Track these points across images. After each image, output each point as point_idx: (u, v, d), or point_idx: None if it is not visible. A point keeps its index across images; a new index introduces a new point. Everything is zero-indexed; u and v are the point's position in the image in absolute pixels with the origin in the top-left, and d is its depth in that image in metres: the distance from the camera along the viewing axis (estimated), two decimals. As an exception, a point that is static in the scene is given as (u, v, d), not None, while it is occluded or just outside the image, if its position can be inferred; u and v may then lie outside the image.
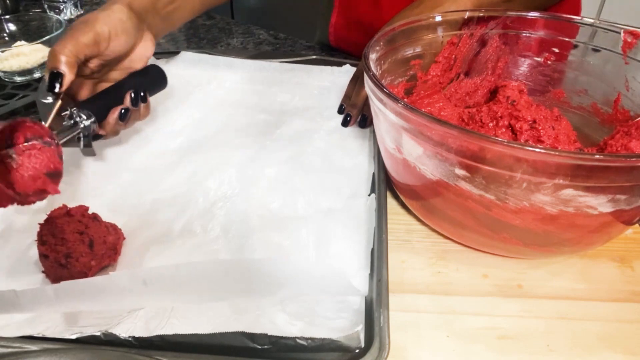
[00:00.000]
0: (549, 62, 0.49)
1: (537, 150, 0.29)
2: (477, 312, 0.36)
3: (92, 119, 0.42)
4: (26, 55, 0.65)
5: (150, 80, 0.50)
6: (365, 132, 0.53)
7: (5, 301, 0.32)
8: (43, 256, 0.35)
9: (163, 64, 0.65)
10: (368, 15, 0.71)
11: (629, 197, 0.31)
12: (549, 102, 0.49)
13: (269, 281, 0.33)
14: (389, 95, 0.34)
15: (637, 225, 0.41)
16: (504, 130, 0.41)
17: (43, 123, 0.36)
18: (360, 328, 0.30)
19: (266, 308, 0.32)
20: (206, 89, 0.62)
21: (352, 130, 0.54)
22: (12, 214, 0.40)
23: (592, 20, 0.45)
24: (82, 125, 0.42)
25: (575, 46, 0.47)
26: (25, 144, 0.34)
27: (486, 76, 0.51)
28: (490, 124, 0.41)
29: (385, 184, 0.44)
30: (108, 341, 0.30)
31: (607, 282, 0.38)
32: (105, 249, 0.36)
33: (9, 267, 0.37)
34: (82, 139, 0.42)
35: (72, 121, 0.41)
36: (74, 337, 0.30)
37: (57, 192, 0.35)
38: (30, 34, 0.73)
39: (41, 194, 0.34)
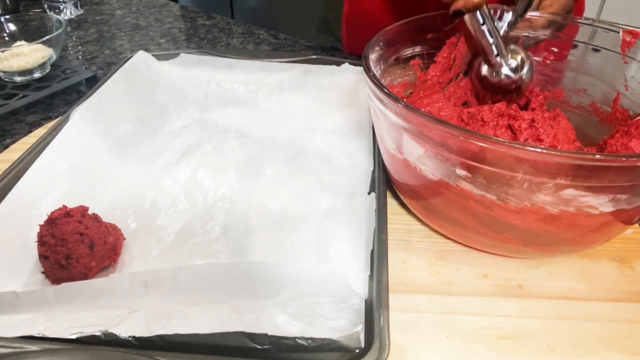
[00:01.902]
0: (548, 61, 0.49)
1: (538, 150, 0.28)
2: (477, 312, 0.36)
3: None
4: (26, 55, 0.65)
5: None
6: (365, 131, 0.53)
7: (6, 302, 0.32)
8: (43, 257, 0.35)
9: (163, 64, 0.65)
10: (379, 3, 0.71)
11: (629, 197, 0.31)
12: (548, 101, 0.49)
13: (269, 284, 0.33)
14: (389, 95, 0.34)
15: (637, 225, 0.41)
16: (503, 130, 0.41)
17: None
18: (360, 328, 0.30)
19: (266, 308, 0.32)
20: (206, 89, 0.62)
21: (352, 130, 0.54)
22: (12, 214, 0.40)
23: (591, 20, 0.45)
24: None
25: (575, 46, 0.47)
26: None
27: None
28: (491, 124, 0.41)
29: (385, 183, 0.44)
30: (108, 341, 0.30)
31: (607, 282, 0.38)
32: (106, 250, 0.36)
33: (9, 267, 0.37)
34: None
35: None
36: (74, 337, 0.30)
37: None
38: (30, 34, 0.73)
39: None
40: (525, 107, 0.48)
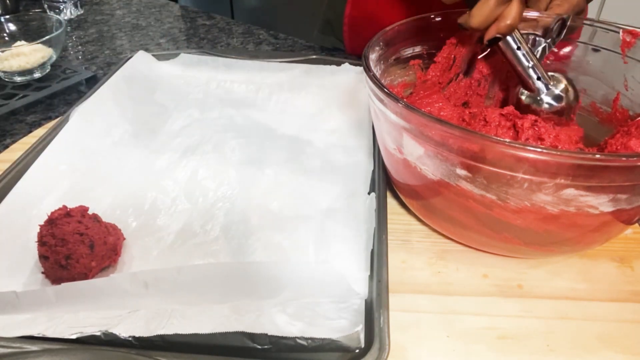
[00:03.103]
0: (548, 61, 0.49)
1: (538, 150, 0.28)
2: (477, 312, 0.36)
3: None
4: (26, 55, 0.65)
5: None
6: (365, 131, 0.53)
7: (6, 302, 0.32)
8: (43, 257, 0.35)
9: (163, 64, 0.65)
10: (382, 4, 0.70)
11: (629, 197, 0.31)
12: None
13: (269, 284, 0.33)
14: (389, 95, 0.34)
15: (637, 225, 0.41)
16: (505, 130, 0.41)
17: None
18: (360, 328, 0.30)
19: (266, 308, 0.32)
20: (206, 89, 0.62)
21: (352, 130, 0.54)
22: (13, 214, 0.40)
23: (591, 20, 0.45)
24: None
25: (575, 46, 0.47)
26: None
27: (486, 76, 0.51)
28: (493, 124, 0.41)
29: (385, 183, 0.44)
30: (108, 341, 0.30)
31: (607, 282, 0.38)
32: (106, 250, 0.36)
33: (9, 267, 0.37)
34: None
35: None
36: (74, 337, 0.30)
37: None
38: (30, 34, 0.73)
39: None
40: None
